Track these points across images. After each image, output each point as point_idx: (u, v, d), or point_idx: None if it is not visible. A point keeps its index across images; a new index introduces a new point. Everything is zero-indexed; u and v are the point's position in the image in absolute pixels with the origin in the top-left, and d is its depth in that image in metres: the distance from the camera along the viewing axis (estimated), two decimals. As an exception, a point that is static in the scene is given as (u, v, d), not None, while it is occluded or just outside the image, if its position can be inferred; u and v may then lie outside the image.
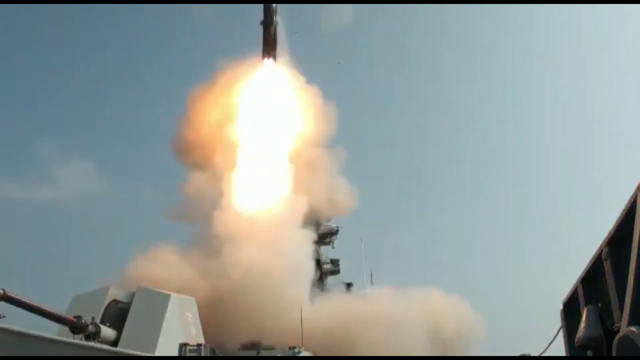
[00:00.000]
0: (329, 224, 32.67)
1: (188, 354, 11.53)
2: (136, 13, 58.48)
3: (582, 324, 3.67)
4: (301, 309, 19.04)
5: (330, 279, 31.49)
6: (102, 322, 11.78)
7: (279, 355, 19.14)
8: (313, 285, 27.01)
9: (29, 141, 60.18)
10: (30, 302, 10.10)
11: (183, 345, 11.67)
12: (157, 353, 11.46)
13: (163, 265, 23.59)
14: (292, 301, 21.77)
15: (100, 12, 66.64)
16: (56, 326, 11.11)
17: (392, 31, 63.59)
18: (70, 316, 10.85)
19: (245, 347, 20.64)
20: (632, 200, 2.96)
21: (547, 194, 58.39)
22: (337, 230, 33.12)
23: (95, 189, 54.68)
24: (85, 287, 16.12)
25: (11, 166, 55.11)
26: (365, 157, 55.95)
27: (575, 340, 3.76)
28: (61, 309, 11.75)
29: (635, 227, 2.84)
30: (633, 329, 2.70)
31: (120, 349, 11.09)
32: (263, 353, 20.42)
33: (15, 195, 53.61)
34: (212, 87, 29.83)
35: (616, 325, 3.20)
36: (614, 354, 2.92)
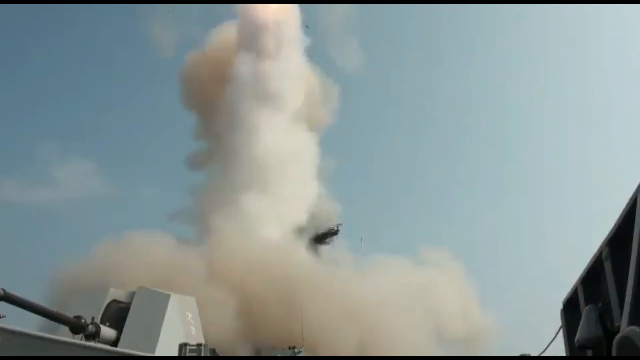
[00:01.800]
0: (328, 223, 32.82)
1: (188, 354, 11.51)
2: (134, 13, 58.51)
3: (582, 324, 3.66)
4: (301, 309, 19.02)
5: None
6: (102, 322, 11.76)
7: (279, 355, 19.13)
8: None
9: (28, 142, 60.24)
10: (31, 302, 10.10)
11: (183, 345, 11.65)
12: (157, 353, 11.44)
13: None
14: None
15: (98, 13, 66.71)
16: (50, 323, 11.10)
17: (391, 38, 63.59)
18: (70, 316, 10.85)
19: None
20: (632, 200, 2.96)
21: (546, 194, 58.38)
22: (337, 230, 33.16)
23: (95, 190, 54.71)
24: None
25: (11, 167, 55.13)
26: (365, 158, 56.04)
27: (575, 340, 3.75)
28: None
29: (635, 227, 2.83)
30: (633, 328, 2.69)
31: (120, 348, 11.08)
32: (263, 353, 20.41)
33: (15, 197, 53.60)
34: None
35: (616, 325, 3.20)
36: (614, 354, 2.91)
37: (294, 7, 32.49)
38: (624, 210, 3.11)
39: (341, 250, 31.98)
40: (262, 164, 28.48)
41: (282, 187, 28.45)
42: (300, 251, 26.71)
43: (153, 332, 11.99)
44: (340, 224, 33.27)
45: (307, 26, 32.38)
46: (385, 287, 24.95)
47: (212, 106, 30.70)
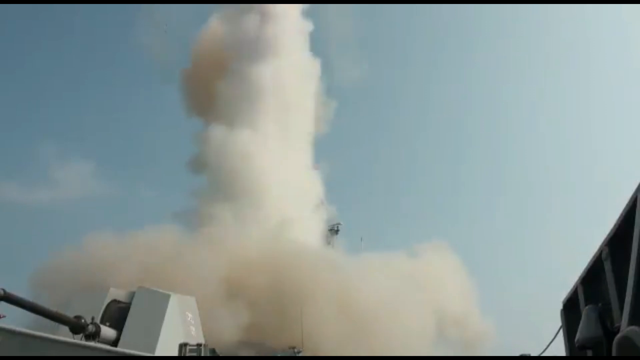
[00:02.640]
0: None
1: (188, 354, 11.49)
2: (133, 15, 58.54)
3: (582, 324, 3.66)
4: (301, 309, 19.00)
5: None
6: (102, 321, 11.76)
7: (279, 355, 19.13)
8: None
9: (28, 143, 60.19)
10: (31, 302, 10.10)
11: (183, 345, 11.64)
12: (157, 353, 11.44)
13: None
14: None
15: (100, 14, 66.69)
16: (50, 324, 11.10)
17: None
18: (70, 316, 10.85)
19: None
20: (632, 200, 2.96)
21: (546, 193, 58.36)
22: (338, 230, 33.17)
23: (94, 190, 54.65)
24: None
25: (11, 168, 55.10)
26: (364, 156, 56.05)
27: (575, 340, 3.76)
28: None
29: (635, 227, 2.84)
30: (633, 328, 2.69)
31: (120, 348, 11.07)
32: (264, 353, 20.40)
33: (16, 197, 53.56)
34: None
35: (616, 325, 3.20)
36: (614, 354, 2.91)
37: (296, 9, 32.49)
38: (624, 210, 3.11)
39: (341, 250, 31.99)
40: (261, 170, 28.52)
41: (282, 190, 28.48)
42: (301, 251, 26.72)
43: (153, 332, 11.99)
44: (340, 224, 33.31)
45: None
46: (384, 285, 24.90)
47: (212, 109, 30.70)
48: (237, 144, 29.01)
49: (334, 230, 33.13)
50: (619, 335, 2.85)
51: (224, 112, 29.98)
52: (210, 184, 30.32)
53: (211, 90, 30.51)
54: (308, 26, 33.13)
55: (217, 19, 34.35)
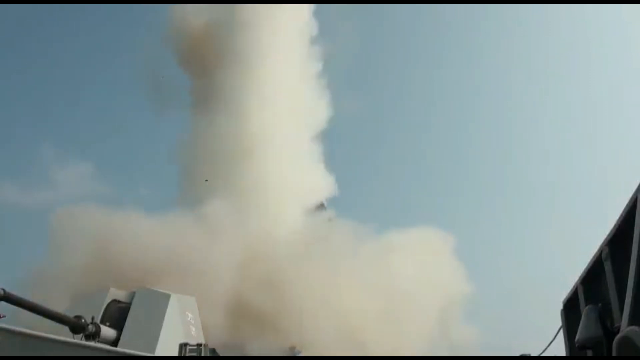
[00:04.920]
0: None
1: (188, 354, 11.50)
2: (134, 16, 58.49)
3: (582, 324, 3.67)
4: (301, 310, 19.00)
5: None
6: (102, 321, 11.78)
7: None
8: None
9: (28, 144, 60.11)
10: (31, 302, 10.11)
11: (183, 345, 11.66)
12: (157, 353, 11.46)
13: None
14: None
15: (98, 15, 66.69)
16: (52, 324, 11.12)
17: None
18: (70, 316, 10.86)
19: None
20: (632, 200, 2.97)
21: (547, 194, 58.41)
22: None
23: (94, 191, 54.56)
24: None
25: (11, 169, 55.04)
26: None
27: (575, 340, 3.77)
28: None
29: (635, 228, 2.84)
30: (633, 328, 2.70)
31: (120, 348, 11.08)
32: (264, 353, 20.39)
33: (17, 198, 53.51)
34: None
35: (616, 325, 3.21)
36: (614, 354, 2.92)
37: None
38: (624, 210, 3.12)
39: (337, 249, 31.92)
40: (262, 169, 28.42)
41: (280, 189, 28.38)
42: (297, 249, 26.67)
43: (153, 332, 12.01)
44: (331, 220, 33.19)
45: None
46: (381, 281, 24.73)
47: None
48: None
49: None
50: (619, 335, 2.86)
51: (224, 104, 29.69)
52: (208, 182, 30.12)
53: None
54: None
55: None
